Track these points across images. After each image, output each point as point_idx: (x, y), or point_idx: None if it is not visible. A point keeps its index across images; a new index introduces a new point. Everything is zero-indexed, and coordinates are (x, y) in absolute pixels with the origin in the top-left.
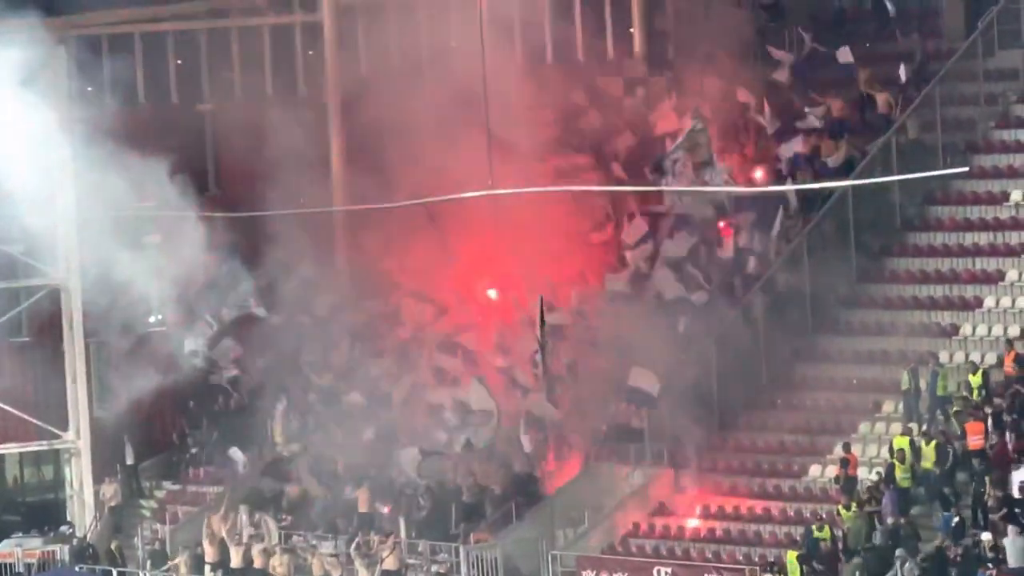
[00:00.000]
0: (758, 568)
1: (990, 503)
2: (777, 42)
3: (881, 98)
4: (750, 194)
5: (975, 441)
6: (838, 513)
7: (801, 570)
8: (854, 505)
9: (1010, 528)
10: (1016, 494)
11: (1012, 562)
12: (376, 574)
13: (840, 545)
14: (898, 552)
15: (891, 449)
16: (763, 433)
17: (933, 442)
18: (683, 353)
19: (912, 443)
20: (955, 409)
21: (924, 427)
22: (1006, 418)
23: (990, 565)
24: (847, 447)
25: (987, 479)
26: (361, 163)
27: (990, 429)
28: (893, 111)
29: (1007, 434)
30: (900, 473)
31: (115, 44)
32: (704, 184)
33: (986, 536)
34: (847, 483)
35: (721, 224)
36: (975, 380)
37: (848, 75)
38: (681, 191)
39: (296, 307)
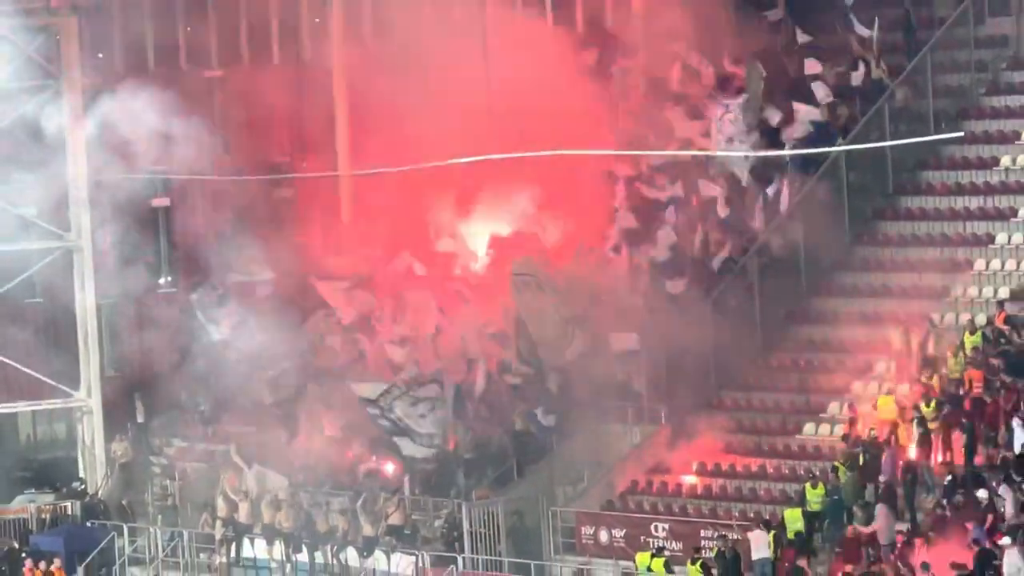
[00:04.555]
0: (752, 523)
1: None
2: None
3: (872, 65)
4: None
5: (976, 389)
6: (834, 470)
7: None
8: (847, 462)
9: (1003, 487)
10: (1017, 450)
11: (1009, 517)
12: (381, 530)
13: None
14: (878, 508)
15: (875, 407)
16: (758, 392)
17: (932, 402)
18: (680, 315)
19: (898, 403)
20: (965, 356)
21: (923, 378)
22: (1005, 378)
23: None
24: (851, 406)
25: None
26: (365, 128)
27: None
28: (873, 71)
29: (1000, 392)
30: (901, 432)
31: (126, 12)
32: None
33: (982, 493)
34: (852, 442)
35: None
36: (972, 340)
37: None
38: (671, 154)
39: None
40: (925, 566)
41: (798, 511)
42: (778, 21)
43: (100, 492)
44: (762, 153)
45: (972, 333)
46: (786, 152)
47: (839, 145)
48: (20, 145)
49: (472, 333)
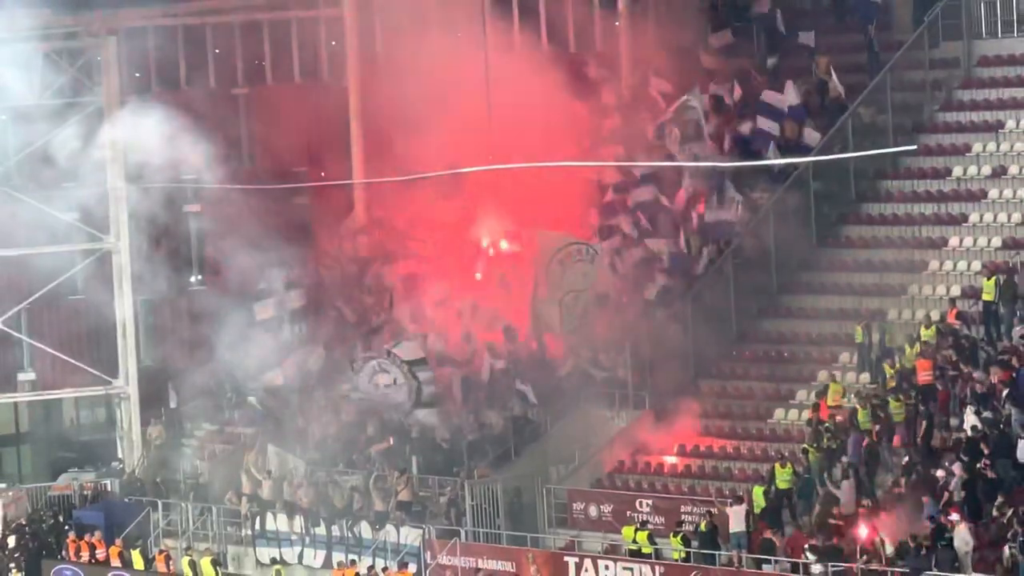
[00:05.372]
0: (728, 500)
1: (936, 443)
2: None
3: (832, 83)
4: (722, 168)
5: (924, 376)
6: (804, 452)
7: (766, 504)
8: (815, 444)
9: (956, 466)
10: (969, 432)
11: (956, 496)
12: (391, 505)
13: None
14: (844, 483)
15: (820, 391)
16: (733, 381)
17: (899, 393)
18: (664, 310)
19: (844, 392)
20: (920, 349)
21: (886, 367)
22: (960, 368)
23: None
24: (818, 394)
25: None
26: (377, 140)
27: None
28: (841, 94)
29: (957, 381)
30: (862, 417)
31: (160, 35)
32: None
33: (940, 472)
34: (816, 425)
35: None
36: (927, 334)
37: (811, 56)
38: (658, 165)
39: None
40: (873, 529)
41: (761, 488)
42: (751, 43)
43: (137, 471)
44: (738, 164)
45: (927, 327)
46: (756, 163)
47: (806, 157)
48: (63, 157)
49: (478, 325)
